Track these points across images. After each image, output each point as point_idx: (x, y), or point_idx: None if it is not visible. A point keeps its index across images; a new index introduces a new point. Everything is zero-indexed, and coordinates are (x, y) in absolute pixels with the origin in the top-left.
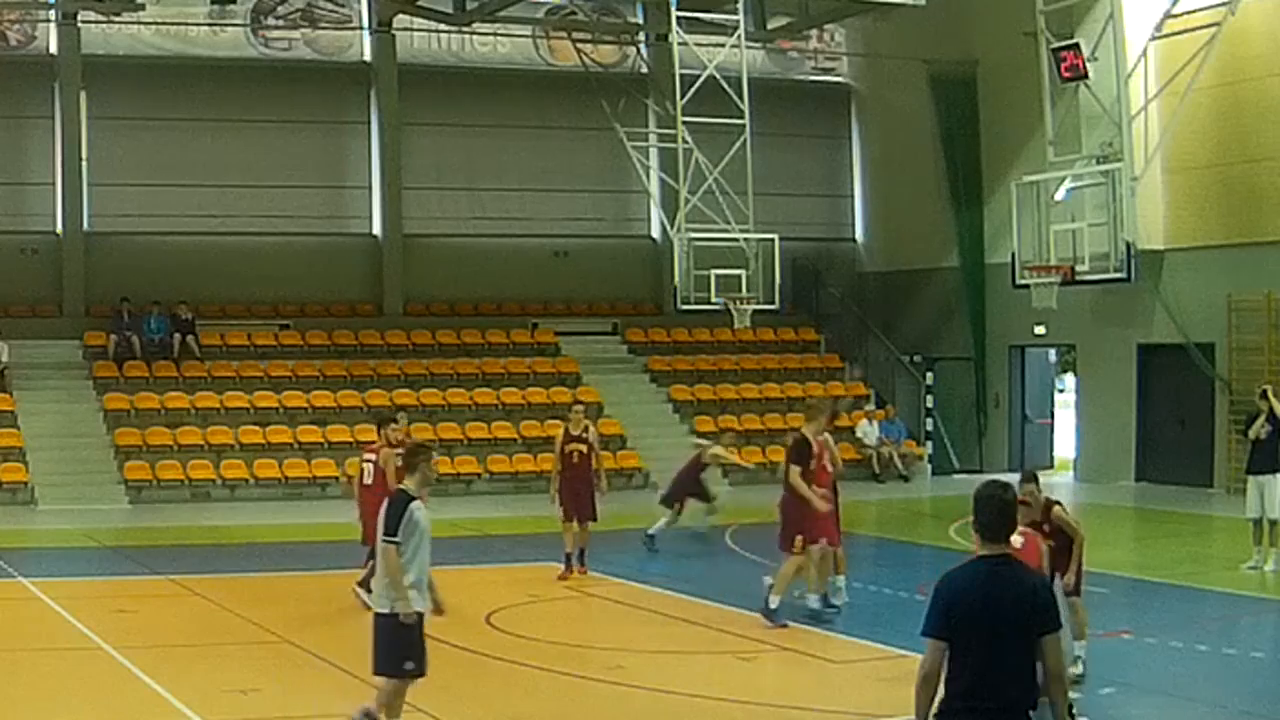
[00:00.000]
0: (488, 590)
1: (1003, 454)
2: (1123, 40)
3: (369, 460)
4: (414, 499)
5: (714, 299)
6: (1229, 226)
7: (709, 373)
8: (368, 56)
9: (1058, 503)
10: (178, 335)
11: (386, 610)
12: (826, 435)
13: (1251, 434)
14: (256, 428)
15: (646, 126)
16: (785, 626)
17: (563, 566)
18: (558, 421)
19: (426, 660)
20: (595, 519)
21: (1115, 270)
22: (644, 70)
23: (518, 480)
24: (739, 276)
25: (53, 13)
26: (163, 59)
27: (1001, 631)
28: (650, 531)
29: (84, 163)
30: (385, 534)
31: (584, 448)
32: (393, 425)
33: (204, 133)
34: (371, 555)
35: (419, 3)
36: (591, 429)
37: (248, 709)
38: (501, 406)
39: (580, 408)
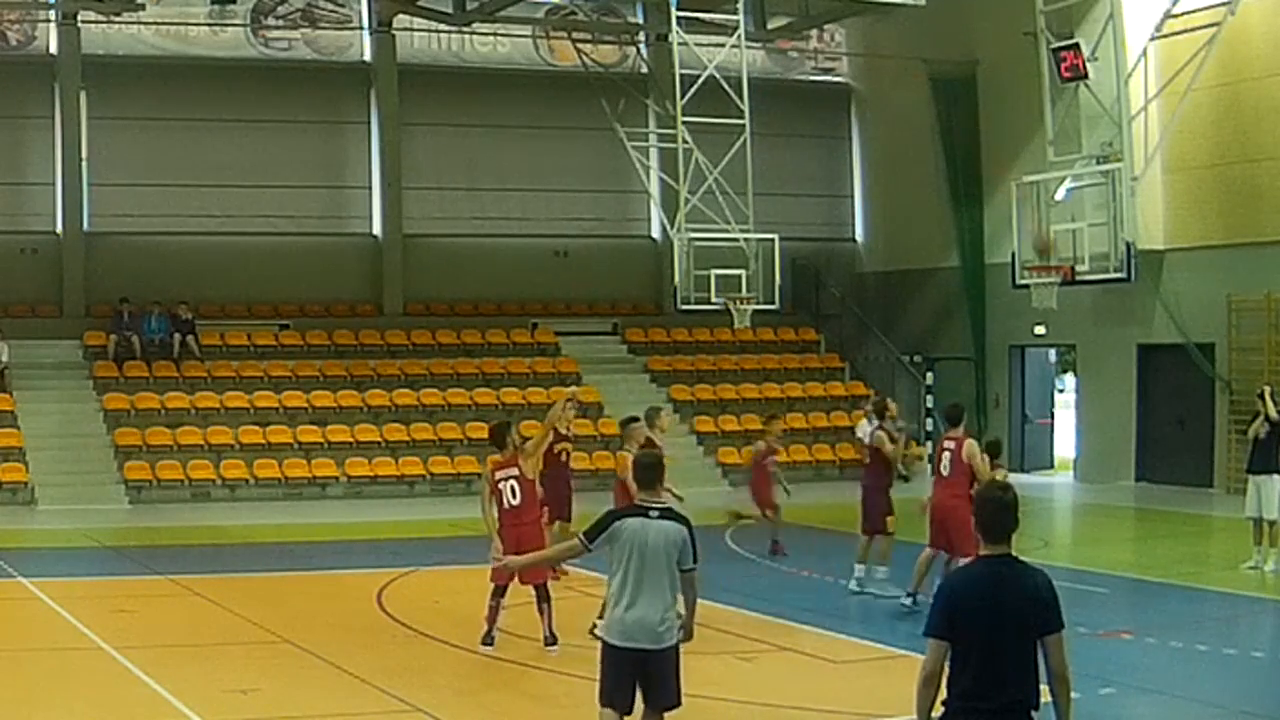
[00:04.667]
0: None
1: (1003, 454)
2: (1123, 40)
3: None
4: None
5: (714, 299)
6: (1229, 226)
7: (709, 373)
8: (367, 56)
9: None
10: (178, 335)
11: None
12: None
13: (1250, 433)
14: (256, 428)
15: (646, 126)
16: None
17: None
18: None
19: None
20: (570, 520)
21: (1115, 270)
22: (644, 70)
23: None
24: (739, 276)
25: (53, 13)
26: (163, 59)
27: (1003, 632)
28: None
29: (84, 163)
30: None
31: (571, 446)
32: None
33: (204, 133)
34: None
35: (419, 3)
36: (572, 427)
37: (248, 709)
38: (502, 406)
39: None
